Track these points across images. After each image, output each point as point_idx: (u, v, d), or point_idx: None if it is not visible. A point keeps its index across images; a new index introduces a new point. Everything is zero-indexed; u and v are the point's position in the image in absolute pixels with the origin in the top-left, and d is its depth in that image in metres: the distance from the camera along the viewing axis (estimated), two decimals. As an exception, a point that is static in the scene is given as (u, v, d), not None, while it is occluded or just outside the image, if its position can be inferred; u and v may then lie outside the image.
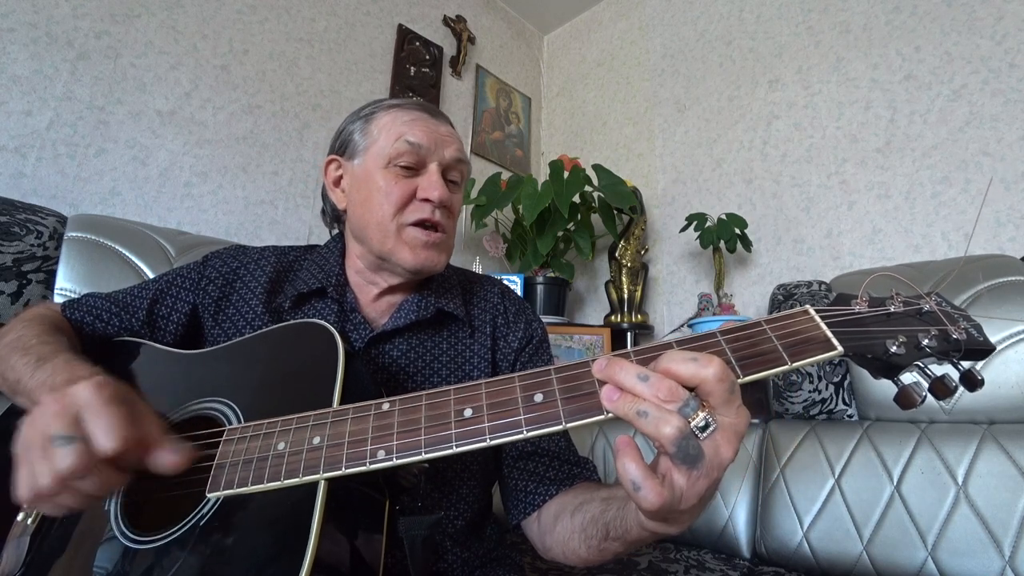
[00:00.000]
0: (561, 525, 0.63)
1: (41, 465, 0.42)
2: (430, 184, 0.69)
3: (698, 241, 1.75)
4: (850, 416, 1.28)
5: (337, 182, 0.77)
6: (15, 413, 0.62)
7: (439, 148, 0.71)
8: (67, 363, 0.55)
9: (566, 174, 1.84)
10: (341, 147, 0.76)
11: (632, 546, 0.53)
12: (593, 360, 0.41)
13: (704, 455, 0.36)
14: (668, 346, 0.41)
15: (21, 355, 0.58)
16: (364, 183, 0.71)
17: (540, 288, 1.97)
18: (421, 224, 0.70)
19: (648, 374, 0.37)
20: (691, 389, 0.37)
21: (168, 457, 0.46)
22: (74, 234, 1.10)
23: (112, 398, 0.45)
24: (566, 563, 0.64)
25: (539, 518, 0.68)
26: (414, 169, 0.70)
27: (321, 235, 0.84)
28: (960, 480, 1.04)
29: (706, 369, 0.36)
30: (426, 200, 0.69)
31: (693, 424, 0.35)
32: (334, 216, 0.81)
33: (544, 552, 0.66)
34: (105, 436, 0.42)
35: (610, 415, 0.38)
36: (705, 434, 0.36)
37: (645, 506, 0.37)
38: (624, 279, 2.02)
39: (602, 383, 0.40)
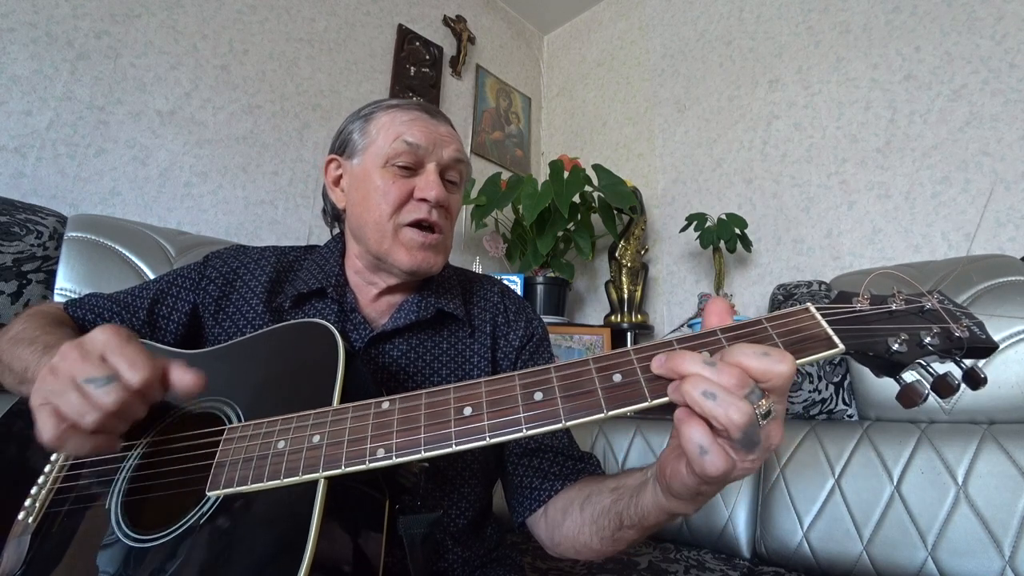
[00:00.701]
0: (570, 520, 0.63)
1: (82, 405, 0.44)
2: (427, 184, 0.69)
3: (698, 241, 1.75)
4: (850, 416, 1.28)
5: (337, 181, 0.77)
6: (16, 413, 0.62)
7: (437, 148, 0.71)
8: None
9: (566, 174, 1.84)
10: (341, 147, 0.76)
11: (648, 531, 0.54)
12: (593, 357, 0.41)
13: (760, 441, 0.36)
14: (668, 344, 0.41)
15: (27, 345, 0.58)
16: (362, 182, 0.72)
17: (540, 288, 1.98)
18: (418, 224, 0.70)
19: (714, 361, 0.37)
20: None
21: (186, 375, 0.48)
22: (74, 234, 1.10)
23: (129, 336, 0.48)
24: (578, 557, 0.64)
25: (546, 514, 0.68)
26: (412, 169, 0.70)
27: (321, 235, 0.84)
28: (960, 480, 1.04)
29: (780, 365, 0.36)
30: (423, 200, 0.69)
31: (758, 412, 0.36)
32: (334, 215, 0.81)
33: (553, 548, 0.66)
34: (132, 369, 0.45)
35: (611, 414, 0.38)
36: (765, 421, 0.36)
37: (711, 471, 0.37)
38: (624, 279, 2.02)
39: (653, 379, 0.39)
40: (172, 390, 0.49)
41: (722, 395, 0.35)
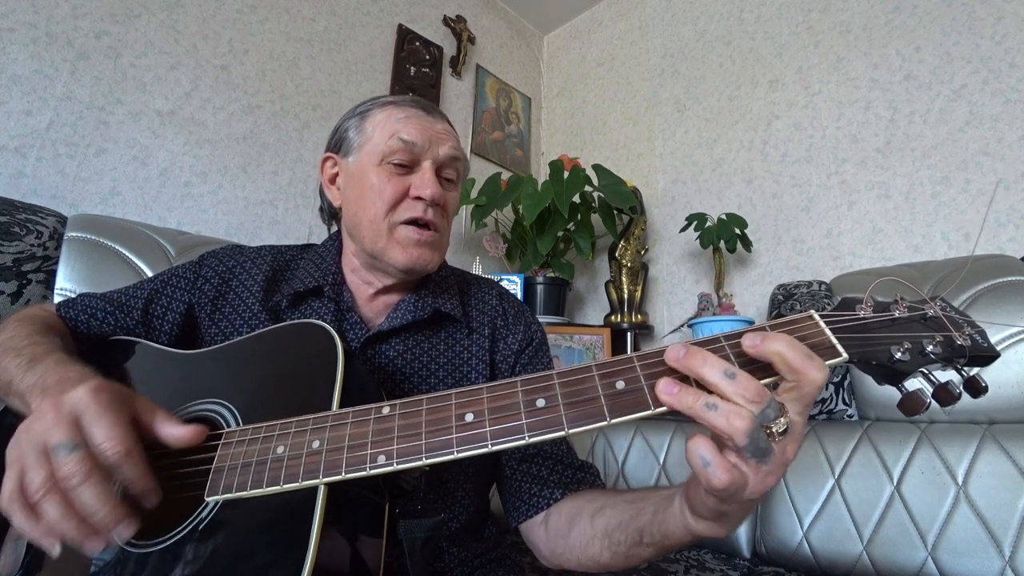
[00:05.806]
0: (578, 530, 0.61)
1: (36, 470, 0.40)
2: (423, 182, 0.69)
3: (698, 241, 1.75)
4: (850, 416, 1.28)
5: (333, 180, 0.77)
6: (10, 411, 0.62)
7: (433, 146, 0.71)
8: (58, 364, 0.54)
9: (566, 174, 1.84)
10: (337, 144, 0.75)
11: (667, 551, 0.52)
12: (596, 364, 0.41)
13: (773, 452, 0.36)
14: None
15: (13, 356, 0.57)
16: (358, 180, 0.71)
17: (540, 288, 1.97)
18: (413, 223, 0.69)
19: (735, 371, 0.36)
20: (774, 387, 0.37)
21: (175, 431, 0.46)
22: (74, 234, 1.10)
23: (111, 402, 0.44)
24: (580, 569, 0.62)
25: (547, 522, 0.67)
26: (407, 167, 0.70)
27: (321, 235, 0.84)
28: (960, 480, 1.03)
29: (815, 372, 0.35)
30: (418, 198, 0.69)
31: (775, 429, 0.35)
32: (331, 213, 0.81)
33: (552, 557, 0.65)
34: (107, 442, 0.42)
35: (614, 421, 0.38)
36: (781, 437, 0.35)
37: (714, 483, 0.35)
38: (624, 279, 2.01)
39: (654, 376, 0.39)
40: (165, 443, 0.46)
41: (723, 404, 0.35)
